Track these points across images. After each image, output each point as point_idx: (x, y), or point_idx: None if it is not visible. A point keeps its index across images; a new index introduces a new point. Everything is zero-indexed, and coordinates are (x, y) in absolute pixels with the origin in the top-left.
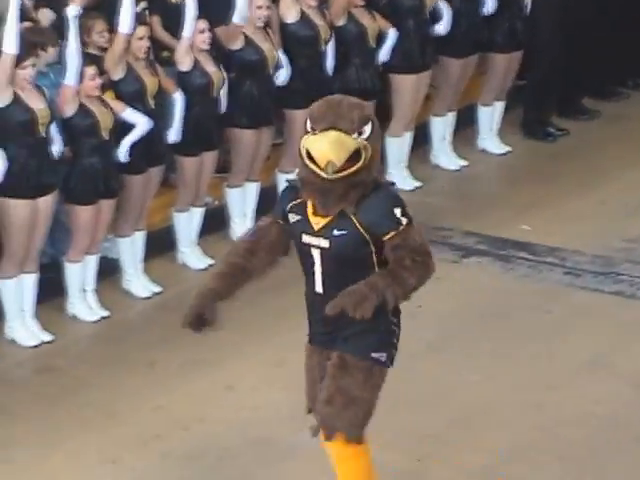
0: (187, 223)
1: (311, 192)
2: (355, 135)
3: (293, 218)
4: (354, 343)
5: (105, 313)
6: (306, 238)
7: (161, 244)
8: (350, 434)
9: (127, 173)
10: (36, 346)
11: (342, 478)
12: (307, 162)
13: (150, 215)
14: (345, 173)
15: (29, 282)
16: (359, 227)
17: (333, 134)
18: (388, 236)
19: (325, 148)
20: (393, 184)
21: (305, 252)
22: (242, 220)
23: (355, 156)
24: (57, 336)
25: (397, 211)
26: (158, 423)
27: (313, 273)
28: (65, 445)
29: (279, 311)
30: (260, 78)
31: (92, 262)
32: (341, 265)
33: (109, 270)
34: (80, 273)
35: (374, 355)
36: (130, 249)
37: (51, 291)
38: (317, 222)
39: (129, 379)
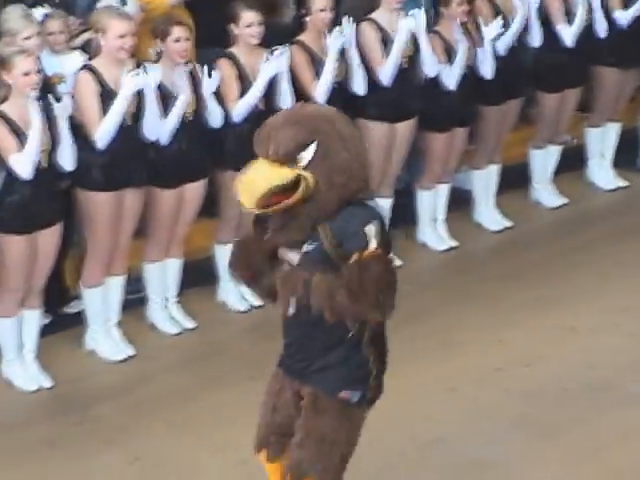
0: (543, 160)
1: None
2: (284, 164)
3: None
4: (326, 377)
5: (454, 243)
6: (280, 251)
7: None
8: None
9: (484, 104)
10: None
11: None
12: None
13: (505, 149)
14: (273, 208)
15: None
16: (328, 240)
17: (253, 170)
18: (353, 257)
19: (239, 189)
20: (372, 199)
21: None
22: (599, 161)
23: (293, 185)
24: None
25: (365, 229)
26: (499, 357)
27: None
28: (404, 371)
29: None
30: None
31: (444, 191)
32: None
33: (461, 201)
34: (431, 201)
35: (343, 394)
36: (484, 182)
37: (401, 218)
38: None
39: (472, 310)
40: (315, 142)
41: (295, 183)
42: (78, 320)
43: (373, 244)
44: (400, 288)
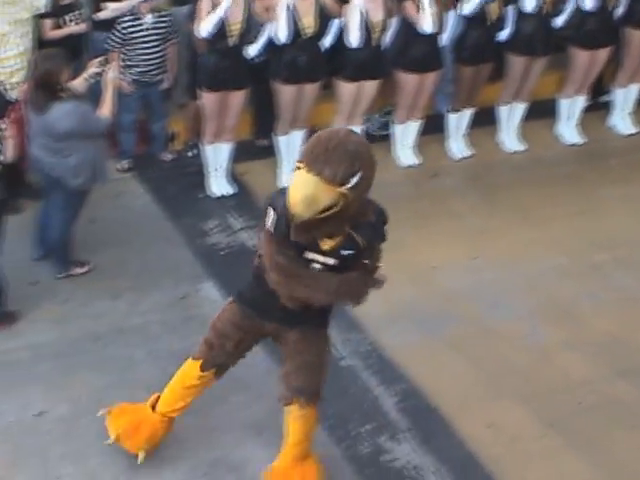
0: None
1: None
2: (337, 186)
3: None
4: (310, 319)
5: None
6: (311, 255)
7: None
8: (311, 398)
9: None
10: None
11: (296, 434)
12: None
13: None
14: (317, 217)
15: None
16: (361, 244)
17: (312, 186)
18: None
19: (297, 200)
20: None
21: (301, 263)
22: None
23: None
24: None
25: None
26: None
27: None
28: None
29: None
30: None
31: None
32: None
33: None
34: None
35: (323, 329)
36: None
37: None
38: (326, 243)
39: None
40: (361, 171)
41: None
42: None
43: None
44: None
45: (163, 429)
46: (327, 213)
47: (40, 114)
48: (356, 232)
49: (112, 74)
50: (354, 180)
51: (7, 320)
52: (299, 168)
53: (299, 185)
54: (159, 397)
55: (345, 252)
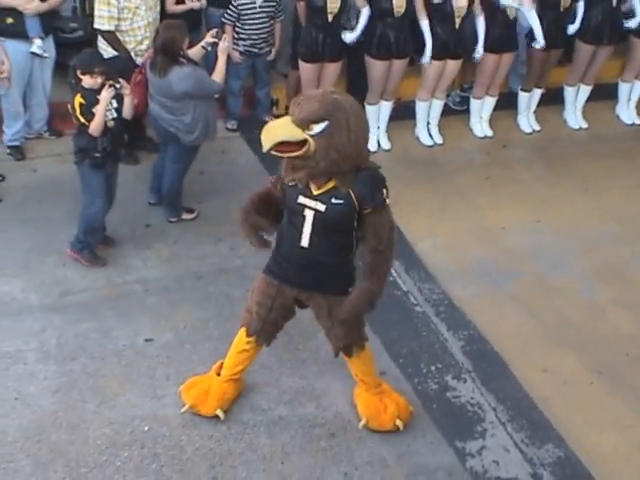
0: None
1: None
2: (300, 128)
3: (291, 182)
4: (328, 287)
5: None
6: (302, 199)
7: None
8: (356, 348)
9: None
10: None
11: (358, 372)
12: None
13: None
14: (280, 154)
15: None
16: (354, 199)
17: (280, 121)
18: (368, 210)
19: (262, 132)
20: (379, 167)
21: (297, 212)
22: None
23: (302, 143)
24: None
25: (383, 191)
26: None
27: (301, 230)
28: None
29: None
30: None
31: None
32: (329, 226)
33: None
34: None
35: (350, 289)
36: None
37: None
38: (316, 188)
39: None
40: (326, 122)
41: (302, 143)
42: None
43: (385, 202)
44: None
45: (231, 390)
46: (294, 154)
47: (161, 77)
48: (344, 184)
49: (225, 44)
50: (318, 127)
51: (97, 261)
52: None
53: (276, 120)
54: (222, 364)
55: (335, 201)
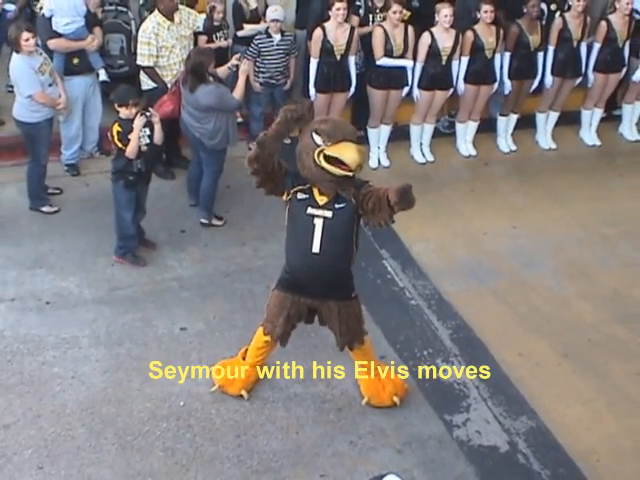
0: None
1: (328, 184)
2: None
3: (300, 196)
4: (343, 290)
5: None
6: (311, 210)
7: None
8: (358, 343)
9: None
10: None
11: (360, 361)
12: (324, 165)
13: None
14: (351, 173)
15: None
16: (352, 199)
17: (355, 145)
18: (364, 191)
19: (357, 155)
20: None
21: (307, 222)
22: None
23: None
24: None
25: (369, 181)
26: None
27: (312, 238)
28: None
29: None
30: None
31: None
32: (336, 231)
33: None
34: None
35: (354, 294)
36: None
37: None
38: (321, 199)
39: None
40: None
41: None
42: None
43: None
44: None
45: (254, 375)
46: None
47: (190, 92)
48: (348, 192)
49: (245, 67)
50: None
51: (138, 262)
52: (327, 145)
53: (347, 148)
54: (247, 349)
55: (338, 205)
